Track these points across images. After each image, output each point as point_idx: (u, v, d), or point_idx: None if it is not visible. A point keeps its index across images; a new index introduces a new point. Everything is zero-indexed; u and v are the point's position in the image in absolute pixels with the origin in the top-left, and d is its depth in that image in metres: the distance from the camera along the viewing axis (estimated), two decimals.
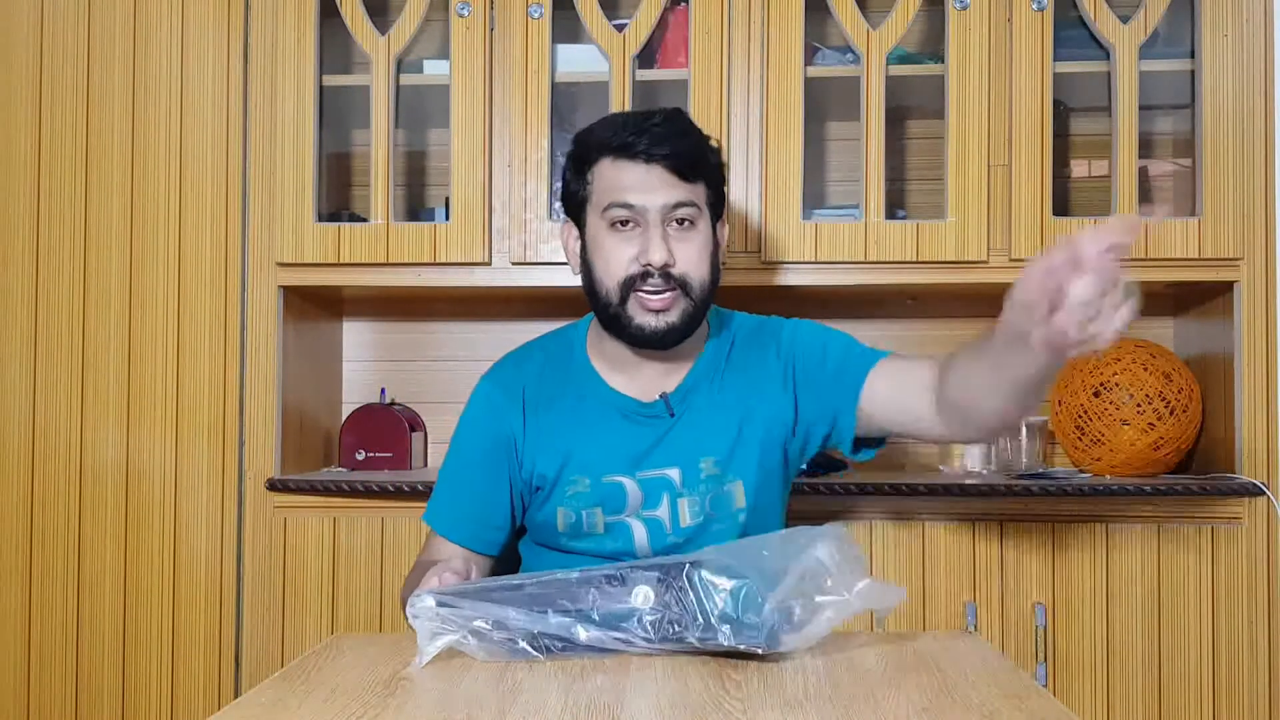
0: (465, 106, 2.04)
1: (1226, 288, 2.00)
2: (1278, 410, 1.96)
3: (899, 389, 1.39)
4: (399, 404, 2.27)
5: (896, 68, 2.04)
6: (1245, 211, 1.96)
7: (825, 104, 2.18)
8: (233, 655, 2.04)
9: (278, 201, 2.04)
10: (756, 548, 1.14)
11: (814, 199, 2.24)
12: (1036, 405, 1.28)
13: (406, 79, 2.10)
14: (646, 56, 2.08)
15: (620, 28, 2.03)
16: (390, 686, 1.03)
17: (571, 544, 1.46)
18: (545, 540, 1.50)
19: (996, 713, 0.93)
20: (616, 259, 1.37)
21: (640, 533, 1.44)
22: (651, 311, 1.37)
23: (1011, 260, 1.97)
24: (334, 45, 2.13)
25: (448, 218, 2.06)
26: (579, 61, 2.08)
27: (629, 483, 1.43)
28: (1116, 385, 2.02)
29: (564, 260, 1.99)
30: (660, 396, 1.44)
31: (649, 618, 1.10)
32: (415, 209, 2.33)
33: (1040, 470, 2.05)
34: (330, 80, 2.09)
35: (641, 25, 2.03)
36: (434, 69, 2.13)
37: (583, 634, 1.11)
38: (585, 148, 1.41)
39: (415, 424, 2.25)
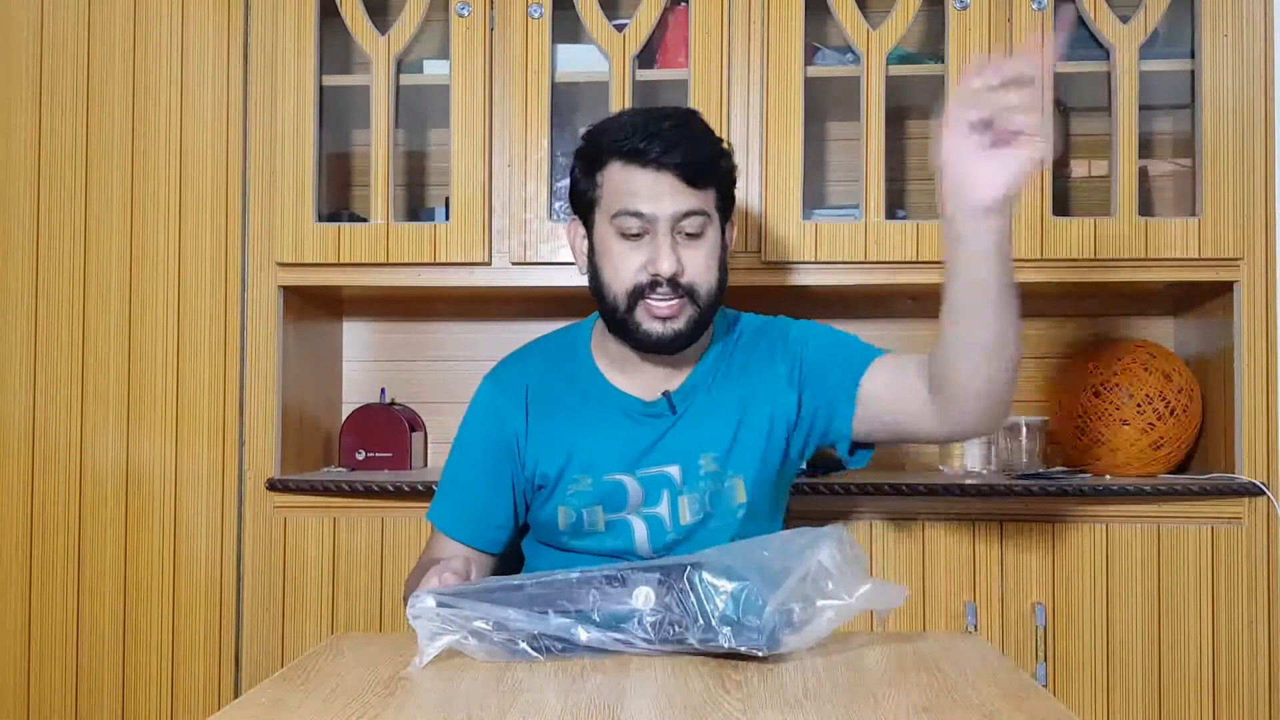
0: (465, 106, 2.03)
1: (1226, 288, 2.00)
2: (1278, 410, 1.96)
3: (895, 381, 1.40)
4: (399, 404, 2.27)
5: (896, 68, 2.04)
6: (1245, 211, 1.96)
7: (825, 104, 2.18)
8: (233, 655, 2.04)
9: (278, 201, 2.04)
10: (757, 549, 1.13)
11: (814, 199, 2.24)
12: (1005, 362, 1.26)
13: (406, 79, 2.10)
14: (646, 56, 2.07)
15: (620, 27, 2.03)
16: (390, 686, 1.03)
17: (572, 542, 1.47)
18: (547, 539, 1.50)
19: (996, 713, 0.93)
20: (625, 267, 1.37)
21: (640, 530, 1.44)
22: (659, 319, 1.37)
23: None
24: (334, 45, 2.13)
25: (448, 218, 2.06)
26: (579, 61, 2.08)
27: (629, 481, 1.43)
28: (1116, 385, 2.02)
29: (564, 260, 2.00)
30: (663, 394, 1.44)
31: (649, 619, 1.10)
32: (415, 209, 2.33)
33: (1040, 470, 2.05)
34: (330, 80, 2.08)
35: (641, 25, 2.03)
36: (434, 69, 2.12)
37: (583, 635, 1.11)
38: (595, 148, 1.40)
39: (415, 424, 2.25)
